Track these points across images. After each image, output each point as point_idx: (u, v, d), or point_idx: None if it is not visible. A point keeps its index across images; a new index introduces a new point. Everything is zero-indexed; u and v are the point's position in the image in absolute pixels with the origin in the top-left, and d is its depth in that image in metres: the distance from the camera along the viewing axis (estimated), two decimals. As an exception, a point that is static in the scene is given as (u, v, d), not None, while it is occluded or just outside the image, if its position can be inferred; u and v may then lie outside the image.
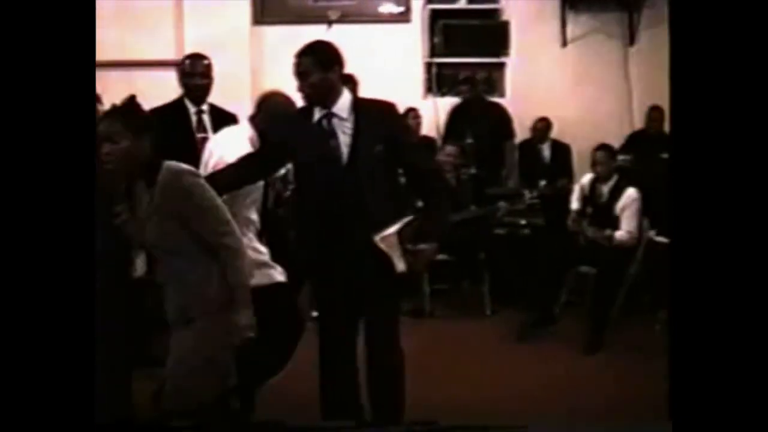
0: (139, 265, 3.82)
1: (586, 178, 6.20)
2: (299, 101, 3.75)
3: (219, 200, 3.07)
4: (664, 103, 7.31)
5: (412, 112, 7.19)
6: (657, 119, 7.41)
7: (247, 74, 7.67)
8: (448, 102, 7.71)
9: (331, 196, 3.49)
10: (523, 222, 6.59)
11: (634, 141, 7.42)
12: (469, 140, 6.60)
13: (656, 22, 7.75)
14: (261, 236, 3.88)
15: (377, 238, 3.40)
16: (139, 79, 7.09)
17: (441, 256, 5.19)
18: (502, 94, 7.90)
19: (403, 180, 3.78)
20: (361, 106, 3.57)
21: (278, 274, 3.85)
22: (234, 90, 6.51)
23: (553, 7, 7.92)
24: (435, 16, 7.94)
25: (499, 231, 6.59)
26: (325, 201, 3.51)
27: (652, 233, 6.04)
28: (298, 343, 3.94)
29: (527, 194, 6.31)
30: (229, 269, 2.98)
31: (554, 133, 7.67)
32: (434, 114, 7.73)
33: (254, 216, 3.80)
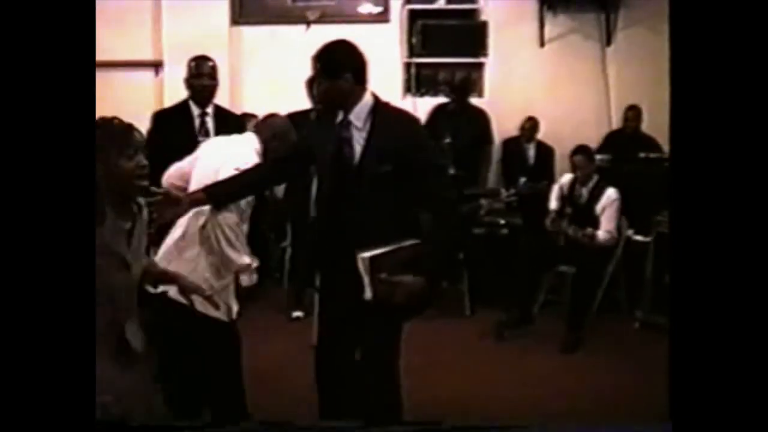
0: None
1: (566, 178, 6.23)
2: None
3: None
4: (641, 103, 7.39)
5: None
6: (633, 119, 7.45)
7: (225, 75, 7.63)
8: (428, 102, 7.70)
9: (332, 206, 3.37)
10: (501, 222, 6.60)
11: (611, 140, 7.47)
12: (447, 140, 6.60)
13: (633, 22, 7.81)
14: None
15: (358, 256, 3.16)
16: (115, 79, 7.07)
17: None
18: (480, 94, 7.90)
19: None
20: (380, 115, 3.30)
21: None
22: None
23: (531, 7, 7.94)
24: (414, 17, 7.93)
25: (478, 231, 6.59)
26: (326, 211, 3.42)
27: (630, 232, 6.09)
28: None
29: (504, 192, 6.31)
30: None
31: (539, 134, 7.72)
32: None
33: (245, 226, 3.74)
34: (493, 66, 7.93)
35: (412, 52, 7.95)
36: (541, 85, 7.91)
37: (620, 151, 7.08)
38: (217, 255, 3.52)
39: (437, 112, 7.45)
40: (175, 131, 4.52)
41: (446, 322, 5.94)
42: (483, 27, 7.87)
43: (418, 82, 8.00)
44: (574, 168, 6.08)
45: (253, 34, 7.95)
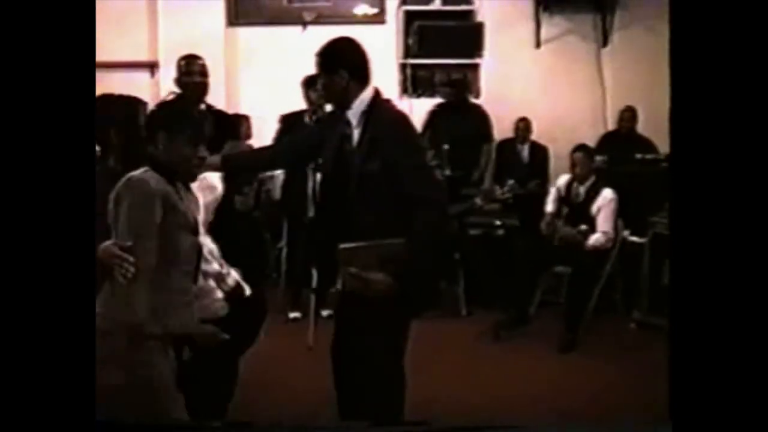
0: None
1: (563, 179, 6.22)
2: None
3: None
4: (637, 104, 7.40)
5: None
6: (629, 119, 7.47)
7: (221, 76, 7.65)
8: (424, 103, 7.71)
9: (328, 205, 3.42)
10: (497, 222, 6.60)
11: (607, 141, 7.47)
12: (446, 146, 6.61)
13: (629, 23, 7.84)
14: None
15: (337, 247, 3.17)
16: (111, 80, 7.05)
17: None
18: (476, 95, 7.91)
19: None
20: (375, 114, 3.32)
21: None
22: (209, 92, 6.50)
23: (527, 8, 7.96)
24: (410, 18, 7.95)
25: (474, 231, 6.60)
26: (322, 210, 3.48)
27: (626, 233, 6.09)
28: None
29: (498, 189, 6.31)
30: None
31: (532, 134, 7.71)
32: (410, 115, 7.71)
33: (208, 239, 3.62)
34: (489, 67, 7.95)
35: (408, 53, 7.96)
36: (537, 86, 7.93)
37: (616, 152, 7.10)
38: None
39: (437, 111, 7.45)
40: None
41: (443, 322, 5.94)
42: (479, 28, 7.87)
43: (414, 83, 8.01)
44: (573, 165, 6.06)
45: (249, 35, 7.96)
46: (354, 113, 3.32)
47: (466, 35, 7.93)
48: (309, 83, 6.15)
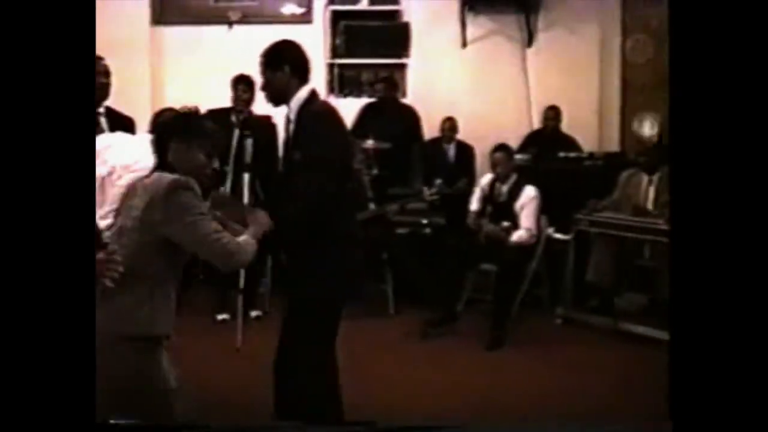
0: None
1: (486, 179, 6.32)
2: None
3: None
4: (561, 103, 7.52)
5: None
6: (553, 118, 7.58)
7: (146, 75, 7.57)
8: (351, 103, 7.72)
9: (276, 195, 3.62)
10: (424, 221, 6.64)
11: (531, 140, 7.58)
12: (370, 142, 6.63)
13: (553, 23, 7.94)
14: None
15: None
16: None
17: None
18: (403, 95, 7.95)
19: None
20: (305, 110, 3.56)
21: None
22: (133, 91, 6.42)
23: (453, 8, 8.00)
24: (336, 18, 7.95)
25: (401, 230, 6.63)
26: (272, 200, 3.55)
27: (550, 230, 6.19)
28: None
29: (426, 191, 6.35)
30: None
31: (459, 134, 7.77)
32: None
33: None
34: (416, 67, 7.99)
35: (335, 53, 7.97)
36: (464, 85, 7.97)
37: (540, 150, 7.21)
38: None
39: (366, 110, 7.47)
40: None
41: (371, 321, 5.98)
42: (405, 28, 7.93)
43: (341, 83, 8.02)
44: (494, 165, 6.16)
45: (174, 34, 7.86)
46: (292, 109, 3.56)
47: (392, 35, 7.98)
48: (238, 82, 6.13)
